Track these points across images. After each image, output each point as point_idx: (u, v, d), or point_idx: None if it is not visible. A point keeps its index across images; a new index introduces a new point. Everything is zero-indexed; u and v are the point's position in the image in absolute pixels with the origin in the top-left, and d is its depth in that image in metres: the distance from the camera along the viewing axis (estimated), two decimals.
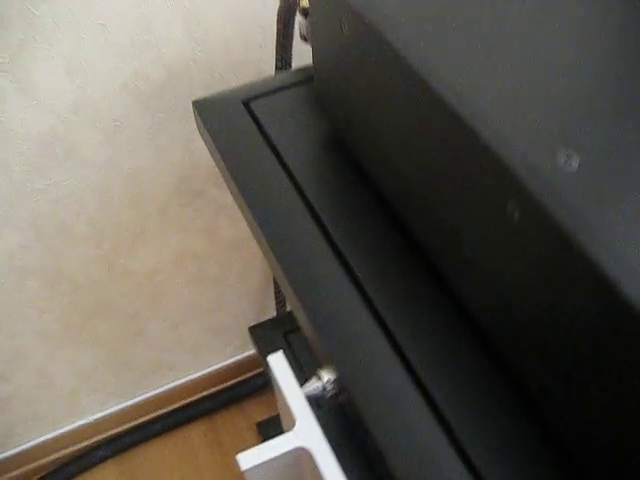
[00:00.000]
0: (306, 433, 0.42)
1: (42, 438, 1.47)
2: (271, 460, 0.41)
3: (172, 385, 1.53)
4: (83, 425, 1.50)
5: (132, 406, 1.52)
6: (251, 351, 1.57)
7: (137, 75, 0.98)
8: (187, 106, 1.04)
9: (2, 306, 1.15)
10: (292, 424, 0.43)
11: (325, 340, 0.49)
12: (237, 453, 0.43)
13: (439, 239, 0.48)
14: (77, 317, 1.25)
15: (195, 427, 1.57)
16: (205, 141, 0.73)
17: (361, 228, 0.57)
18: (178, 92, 1.02)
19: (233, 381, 1.59)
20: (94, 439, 1.54)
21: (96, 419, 1.50)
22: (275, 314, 1.41)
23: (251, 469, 0.40)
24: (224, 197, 1.19)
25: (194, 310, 1.38)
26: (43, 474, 1.50)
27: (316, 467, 0.40)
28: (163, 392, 1.53)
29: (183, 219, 1.20)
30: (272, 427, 1.50)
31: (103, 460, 1.53)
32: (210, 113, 0.72)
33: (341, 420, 0.55)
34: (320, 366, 0.50)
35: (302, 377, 0.63)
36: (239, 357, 1.57)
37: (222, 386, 1.59)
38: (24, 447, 1.47)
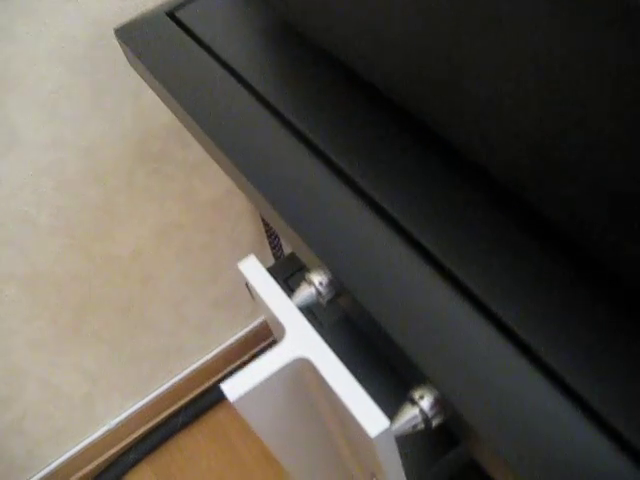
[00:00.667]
0: (299, 340, 0.33)
1: (69, 453, 1.40)
2: (263, 384, 0.32)
3: (187, 371, 1.45)
4: (107, 432, 1.42)
5: (151, 403, 1.44)
6: (263, 316, 1.48)
7: (63, 38, 0.87)
8: (123, 59, 0.94)
9: None
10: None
11: (312, 238, 0.40)
12: None
13: (422, 86, 0.39)
14: (68, 318, 1.17)
15: (220, 409, 1.49)
16: (139, 71, 0.63)
17: (320, 107, 0.48)
18: (111, 47, 0.91)
19: (251, 352, 1.51)
20: (121, 444, 1.46)
21: (117, 423, 1.42)
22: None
23: (241, 399, 0.31)
24: (192, 155, 1.10)
25: (190, 285, 1.29)
26: None
27: (321, 379, 0.32)
28: (179, 381, 1.45)
29: (154, 188, 1.10)
30: None
31: (135, 464, 1.46)
32: (136, 37, 0.63)
33: (348, 338, 0.46)
34: (308, 271, 0.41)
35: (316, 322, 0.54)
36: (252, 325, 1.48)
37: (239, 361, 1.50)
38: (53, 466, 1.39)
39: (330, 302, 0.40)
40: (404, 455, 0.41)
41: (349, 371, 0.31)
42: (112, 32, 0.88)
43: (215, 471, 1.43)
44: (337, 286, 0.39)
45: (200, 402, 1.48)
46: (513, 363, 0.32)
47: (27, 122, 0.91)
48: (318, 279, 0.40)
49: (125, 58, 0.89)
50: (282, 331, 0.33)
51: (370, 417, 0.29)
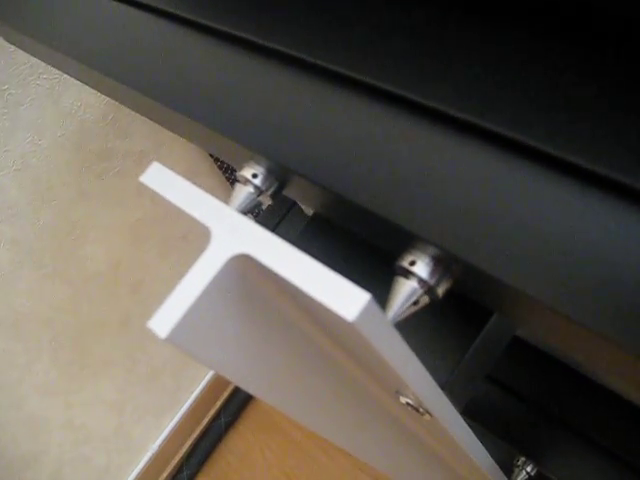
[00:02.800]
0: (231, 235, 0.24)
1: None
2: (197, 306, 0.23)
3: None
4: (152, 457, 1.35)
5: (187, 413, 1.37)
6: None
7: None
8: (23, 64, 0.85)
9: None
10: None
11: (231, 129, 0.31)
12: None
13: None
14: (68, 352, 1.09)
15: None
16: (26, 47, 0.54)
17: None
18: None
19: None
20: (172, 464, 1.39)
21: (160, 445, 1.35)
22: None
23: (175, 334, 0.23)
24: (137, 142, 1.01)
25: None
26: None
27: (273, 275, 0.23)
28: (208, 382, 1.38)
29: (109, 190, 1.01)
30: None
31: (192, 478, 1.39)
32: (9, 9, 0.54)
33: (318, 243, 0.38)
34: (240, 168, 0.32)
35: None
36: None
37: None
38: None
39: (275, 196, 0.31)
40: (426, 351, 0.33)
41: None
42: None
43: (274, 463, 1.35)
44: (276, 171, 0.30)
45: (237, 397, 1.40)
46: (505, 176, 0.24)
47: None
48: (251, 172, 0.31)
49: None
50: (208, 235, 0.25)
51: (342, 295, 0.21)
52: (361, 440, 0.37)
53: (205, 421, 1.41)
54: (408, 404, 0.32)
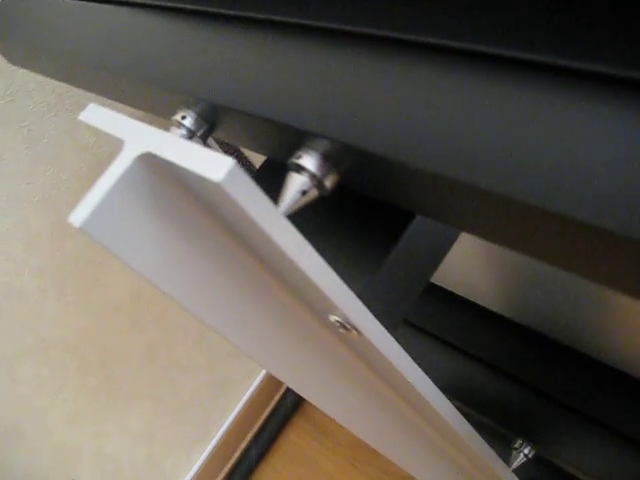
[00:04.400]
0: (140, 137, 0.28)
1: None
2: (110, 198, 0.27)
3: (244, 400, 1.39)
4: None
5: (218, 445, 1.38)
6: None
7: None
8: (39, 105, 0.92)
9: (13, 409, 1.04)
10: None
11: (154, 76, 0.36)
12: None
13: None
14: (94, 381, 1.13)
15: (290, 429, 1.42)
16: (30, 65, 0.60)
17: None
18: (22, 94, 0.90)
19: None
20: None
21: (192, 477, 1.36)
22: None
23: (90, 223, 0.27)
24: None
25: None
26: None
27: (170, 165, 0.27)
28: (238, 412, 1.39)
29: None
30: None
31: None
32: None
33: None
34: (173, 114, 0.36)
35: None
36: None
37: None
38: None
39: (205, 136, 0.35)
40: (344, 262, 0.35)
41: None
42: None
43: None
44: (205, 112, 0.34)
45: (268, 428, 1.41)
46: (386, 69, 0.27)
47: None
48: (181, 114, 0.35)
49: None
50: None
51: (211, 163, 0.24)
52: (302, 375, 0.39)
53: (236, 454, 1.42)
54: (337, 322, 0.34)
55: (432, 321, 0.73)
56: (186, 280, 0.32)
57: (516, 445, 0.67)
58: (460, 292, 0.78)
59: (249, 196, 0.25)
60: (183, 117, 0.34)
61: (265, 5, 0.32)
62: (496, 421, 0.67)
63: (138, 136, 0.28)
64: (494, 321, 0.69)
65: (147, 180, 0.28)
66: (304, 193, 0.28)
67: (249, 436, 1.43)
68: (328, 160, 0.28)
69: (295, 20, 0.30)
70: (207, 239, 0.32)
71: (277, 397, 1.44)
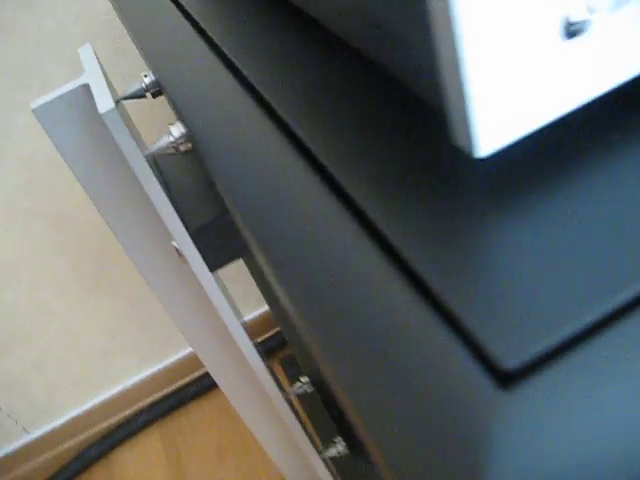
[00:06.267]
0: (88, 76, 0.45)
1: (86, 406, 1.53)
2: (58, 101, 0.44)
3: None
4: (122, 391, 1.54)
5: (166, 369, 1.56)
6: None
7: None
8: None
9: (18, 253, 1.24)
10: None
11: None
12: None
13: None
14: (89, 265, 1.32)
15: None
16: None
17: None
18: None
19: (266, 335, 1.59)
20: (135, 407, 1.58)
21: (133, 384, 1.54)
22: None
23: (41, 109, 0.44)
24: None
25: None
26: (90, 443, 1.55)
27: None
28: (191, 353, 1.56)
29: None
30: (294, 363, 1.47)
31: (145, 426, 1.57)
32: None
33: None
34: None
35: None
36: (264, 309, 1.58)
37: (258, 339, 1.59)
38: (70, 416, 1.52)
39: (155, 95, 0.52)
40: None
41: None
42: None
43: (215, 442, 1.51)
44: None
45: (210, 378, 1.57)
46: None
47: None
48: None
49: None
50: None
51: (105, 103, 0.41)
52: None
53: (179, 383, 1.59)
54: (175, 247, 0.51)
55: None
56: (102, 180, 0.50)
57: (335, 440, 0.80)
58: None
59: (120, 130, 0.42)
60: (145, 75, 0.52)
61: None
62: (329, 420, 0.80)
63: (93, 78, 0.46)
64: None
65: (87, 102, 0.45)
66: (166, 148, 0.45)
67: (195, 375, 1.60)
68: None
69: None
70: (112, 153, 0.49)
71: None
